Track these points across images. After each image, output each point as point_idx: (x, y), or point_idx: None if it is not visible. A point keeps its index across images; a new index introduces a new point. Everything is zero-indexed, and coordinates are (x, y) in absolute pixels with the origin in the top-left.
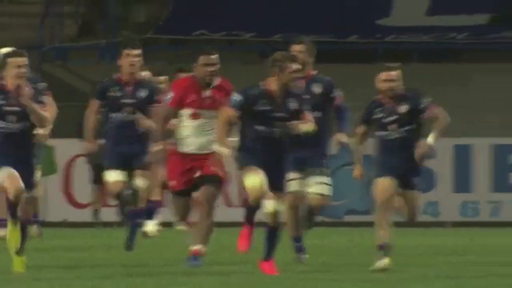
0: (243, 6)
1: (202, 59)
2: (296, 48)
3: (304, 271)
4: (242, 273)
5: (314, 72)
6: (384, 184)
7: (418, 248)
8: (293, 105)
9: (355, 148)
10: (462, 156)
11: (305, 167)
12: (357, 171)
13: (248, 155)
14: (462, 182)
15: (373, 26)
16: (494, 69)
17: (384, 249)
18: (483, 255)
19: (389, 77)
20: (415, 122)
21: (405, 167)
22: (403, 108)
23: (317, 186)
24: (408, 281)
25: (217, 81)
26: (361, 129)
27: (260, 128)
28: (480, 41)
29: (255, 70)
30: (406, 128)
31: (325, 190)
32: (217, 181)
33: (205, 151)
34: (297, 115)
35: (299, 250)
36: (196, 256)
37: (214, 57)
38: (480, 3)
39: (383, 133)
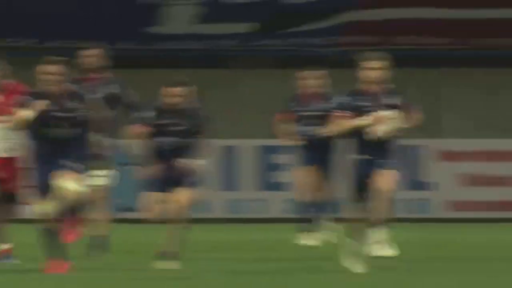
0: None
1: None
2: (87, 54)
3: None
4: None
5: (107, 76)
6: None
7: (199, 244)
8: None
9: (138, 149)
10: (229, 156)
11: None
12: (145, 170)
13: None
14: (229, 181)
15: (144, 33)
16: (260, 74)
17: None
18: (252, 251)
19: (172, 93)
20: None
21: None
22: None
23: (95, 179)
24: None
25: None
26: (138, 129)
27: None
28: (246, 49)
29: None
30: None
31: (101, 182)
32: None
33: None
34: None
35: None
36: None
37: None
38: (245, 13)
39: (162, 139)
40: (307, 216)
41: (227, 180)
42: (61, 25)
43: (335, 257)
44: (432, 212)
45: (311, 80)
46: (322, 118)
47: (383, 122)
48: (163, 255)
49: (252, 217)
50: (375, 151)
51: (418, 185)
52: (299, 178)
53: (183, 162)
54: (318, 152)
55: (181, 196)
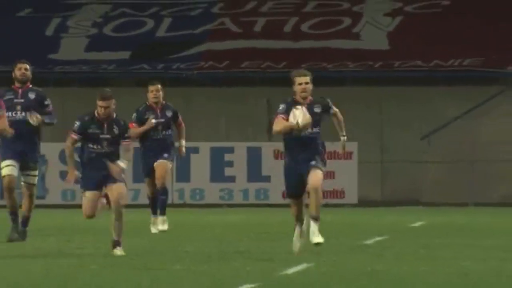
0: None
1: None
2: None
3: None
4: None
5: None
6: None
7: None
8: None
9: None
10: None
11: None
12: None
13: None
14: None
15: (46, 59)
16: (136, 92)
17: None
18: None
19: (104, 104)
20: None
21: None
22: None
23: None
24: None
25: None
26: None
27: None
28: (124, 71)
29: None
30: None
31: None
32: None
33: None
34: None
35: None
36: None
37: None
38: (124, 44)
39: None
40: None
41: None
42: None
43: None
44: None
45: (159, 93)
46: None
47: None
48: (117, 243)
49: None
50: (303, 150)
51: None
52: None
53: (112, 164)
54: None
55: (117, 190)
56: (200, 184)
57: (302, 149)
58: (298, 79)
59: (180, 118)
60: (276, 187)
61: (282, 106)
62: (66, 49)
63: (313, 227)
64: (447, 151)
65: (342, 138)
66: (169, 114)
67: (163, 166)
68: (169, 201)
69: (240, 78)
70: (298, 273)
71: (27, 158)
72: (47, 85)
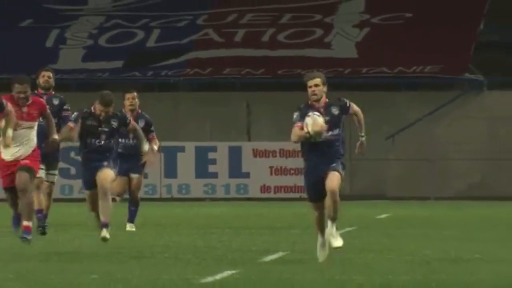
0: None
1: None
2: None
3: None
4: None
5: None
6: None
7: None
8: None
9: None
10: None
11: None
12: None
13: None
14: None
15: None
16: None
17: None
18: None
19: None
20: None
21: None
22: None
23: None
24: None
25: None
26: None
27: None
28: (118, 78)
29: None
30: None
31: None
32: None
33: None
34: None
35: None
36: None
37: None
38: (117, 54)
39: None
40: None
41: None
42: None
43: None
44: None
45: (135, 100)
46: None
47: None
48: (104, 226)
49: None
50: (323, 154)
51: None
52: None
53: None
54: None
55: (104, 173)
56: (186, 180)
57: (321, 153)
58: (308, 83)
59: (153, 132)
60: (255, 183)
61: (296, 114)
62: (64, 59)
63: (330, 228)
64: (410, 150)
65: (361, 138)
66: (141, 123)
67: (137, 179)
68: (158, 196)
69: (222, 83)
70: (275, 260)
71: (50, 158)
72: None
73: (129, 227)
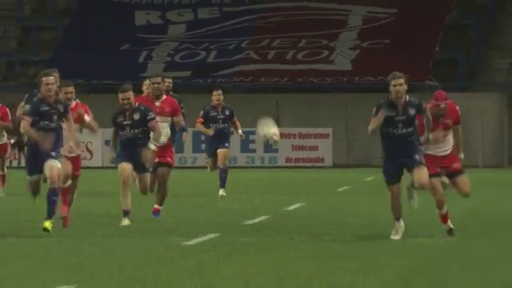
0: None
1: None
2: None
3: None
4: None
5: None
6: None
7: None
8: None
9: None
10: None
11: None
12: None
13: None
14: None
15: (138, 77)
16: (198, 98)
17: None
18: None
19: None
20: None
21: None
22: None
23: None
24: None
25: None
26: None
27: None
28: (187, 84)
29: None
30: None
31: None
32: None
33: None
34: None
35: None
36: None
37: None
38: (185, 66)
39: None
40: None
41: None
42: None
43: None
44: None
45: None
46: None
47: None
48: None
49: None
50: (399, 146)
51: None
52: None
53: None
54: None
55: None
56: (234, 154)
57: (398, 145)
58: (393, 82)
59: (234, 118)
60: (281, 156)
61: (374, 110)
62: (151, 71)
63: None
64: None
65: (428, 135)
66: (227, 112)
67: (224, 152)
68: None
69: (259, 88)
70: (296, 209)
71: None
72: (140, 93)
73: (222, 191)
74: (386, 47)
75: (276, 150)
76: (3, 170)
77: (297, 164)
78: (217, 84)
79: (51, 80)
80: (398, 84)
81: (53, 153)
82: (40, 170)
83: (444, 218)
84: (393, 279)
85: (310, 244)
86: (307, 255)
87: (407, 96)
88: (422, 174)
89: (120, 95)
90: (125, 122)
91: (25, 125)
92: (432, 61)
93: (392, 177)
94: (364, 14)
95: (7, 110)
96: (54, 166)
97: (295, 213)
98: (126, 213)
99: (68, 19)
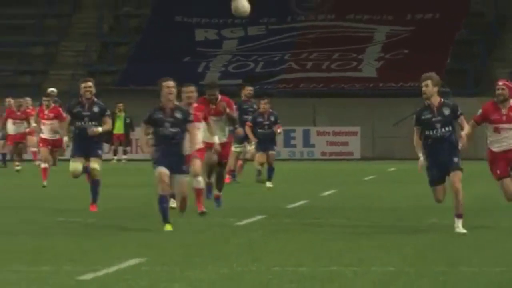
0: None
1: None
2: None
3: None
4: None
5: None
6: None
7: None
8: None
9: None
10: None
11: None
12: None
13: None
14: None
15: (198, 84)
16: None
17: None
18: None
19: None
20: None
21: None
22: None
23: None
24: None
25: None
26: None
27: None
28: (238, 90)
29: None
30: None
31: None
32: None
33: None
34: None
35: None
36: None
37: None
38: (235, 74)
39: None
40: None
41: None
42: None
43: None
44: None
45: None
46: None
47: None
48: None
49: None
50: (441, 147)
51: None
52: None
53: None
54: None
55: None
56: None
57: (439, 146)
58: (422, 84)
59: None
60: (318, 150)
61: (414, 117)
62: (208, 79)
63: (457, 222)
64: (406, 131)
65: (461, 140)
66: (272, 118)
67: (272, 153)
68: None
69: (299, 93)
70: (330, 194)
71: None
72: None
73: (268, 184)
74: (406, 58)
75: (313, 146)
76: (55, 164)
77: (331, 157)
78: (265, 94)
79: (171, 84)
80: (425, 85)
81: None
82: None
83: None
84: (411, 255)
85: (341, 224)
86: (339, 234)
87: (442, 99)
88: (455, 177)
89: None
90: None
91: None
92: (444, 70)
93: (436, 179)
94: (387, 31)
95: (60, 109)
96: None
97: (329, 198)
98: (171, 196)
99: (139, 36)
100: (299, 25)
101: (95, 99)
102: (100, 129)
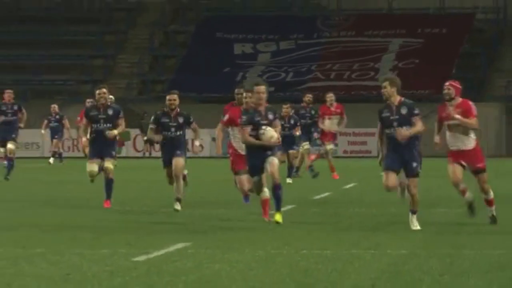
0: None
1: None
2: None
3: None
4: None
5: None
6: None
7: None
8: None
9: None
10: None
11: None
12: None
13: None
14: None
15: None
16: None
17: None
18: None
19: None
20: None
21: None
22: None
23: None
24: None
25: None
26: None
27: None
28: (271, 97)
29: None
30: None
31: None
32: None
33: None
34: None
35: None
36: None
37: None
38: (271, 83)
39: None
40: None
41: None
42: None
43: None
44: None
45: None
46: None
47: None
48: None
49: None
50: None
51: None
52: None
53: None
54: None
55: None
56: None
57: (397, 144)
58: (381, 85)
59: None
60: (340, 149)
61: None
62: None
63: (412, 218)
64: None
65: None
66: (292, 120)
67: (294, 153)
68: None
69: (323, 100)
70: (352, 187)
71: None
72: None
73: (289, 180)
74: (416, 67)
75: (337, 145)
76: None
77: (352, 155)
78: (287, 99)
79: (262, 89)
80: (383, 86)
81: (269, 152)
82: (260, 172)
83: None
84: (421, 239)
85: (360, 213)
86: (358, 222)
87: (402, 98)
88: (412, 186)
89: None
90: (171, 124)
91: (246, 138)
92: (450, 79)
93: (388, 170)
94: (400, 43)
95: None
96: (273, 162)
97: (350, 191)
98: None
99: (185, 50)
100: (324, 40)
101: (109, 103)
102: (115, 131)
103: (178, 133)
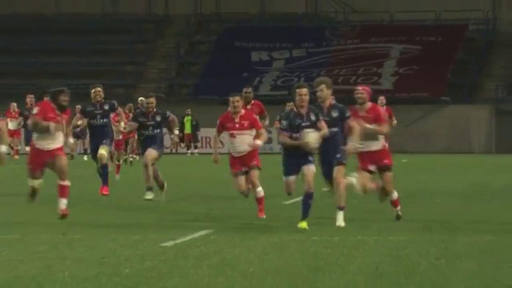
0: None
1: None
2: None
3: None
4: None
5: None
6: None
7: None
8: None
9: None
10: None
11: None
12: None
13: None
14: None
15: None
16: None
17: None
18: None
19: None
20: None
21: None
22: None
23: None
24: None
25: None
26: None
27: None
28: (285, 100)
29: None
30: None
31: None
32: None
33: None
34: None
35: None
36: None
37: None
38: (284, 87)
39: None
40: None
41: None
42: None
43: None
44: None
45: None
46: None
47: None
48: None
49: None
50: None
51: None
52: None
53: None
54: None
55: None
56: None
57: (326, 144)
58: (316, 88)
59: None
60: None
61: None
62: (261, 90)
63: (338, 215)
64: (413, 131)
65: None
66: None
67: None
68: None
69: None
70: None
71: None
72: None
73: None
74: (415, 73)
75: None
76: (118, 160)
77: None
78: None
79: (304, 91)
80: (319, 89)
81: (309, 157)
82: (297, 171)
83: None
84: (419, 227)
85: (364, 204)
86: (362, 212)
87: (333, 101)
88: (337, 172)
89: (145, 100)
90: (148, 123)
91: (282, 139)
92: (445, 84)
93: (324, 173)
94: (400, 49)
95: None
96: (310, 170)
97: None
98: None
99: (208, 57)
100: (332, 48)
101: (104, 100)
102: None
103: (155, 131)
